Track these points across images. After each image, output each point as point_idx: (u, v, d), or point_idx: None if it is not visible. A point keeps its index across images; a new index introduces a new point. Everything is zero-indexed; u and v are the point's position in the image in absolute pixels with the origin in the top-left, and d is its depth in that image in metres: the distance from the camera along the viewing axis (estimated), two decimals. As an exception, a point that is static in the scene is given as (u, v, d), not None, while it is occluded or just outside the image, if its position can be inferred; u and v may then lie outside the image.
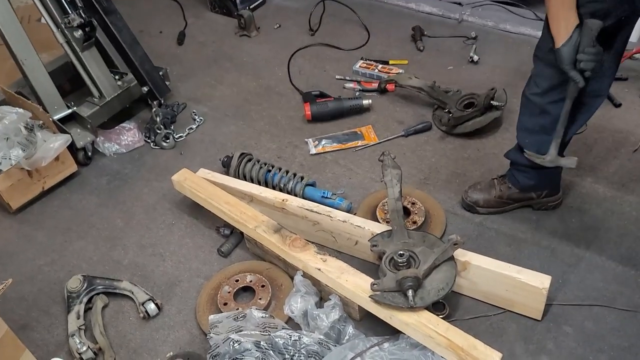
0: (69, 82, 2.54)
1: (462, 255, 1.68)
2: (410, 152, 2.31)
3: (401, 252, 1.63)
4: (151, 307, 1.76)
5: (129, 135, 2.45)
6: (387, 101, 2.58)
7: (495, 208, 1.98)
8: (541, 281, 1.59)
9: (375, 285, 1.58)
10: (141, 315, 1.76)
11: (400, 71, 2.69)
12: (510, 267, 1.64)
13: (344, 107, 2.48)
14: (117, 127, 2.46)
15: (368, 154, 2.32)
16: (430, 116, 2.46)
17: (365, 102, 2.49)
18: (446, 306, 1.69)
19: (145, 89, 2.26)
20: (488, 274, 1.65)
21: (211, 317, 1.65)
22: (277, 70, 2.85)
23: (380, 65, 2.77)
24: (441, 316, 1.63)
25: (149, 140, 2.47)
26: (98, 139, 2.40)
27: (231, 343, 1.55)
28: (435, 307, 1.66)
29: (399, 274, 1.56)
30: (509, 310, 1.69)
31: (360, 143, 2.37)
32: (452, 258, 1.64)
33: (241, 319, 1.65)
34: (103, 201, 2.23)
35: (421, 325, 1.51)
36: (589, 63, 1.47)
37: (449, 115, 2.34)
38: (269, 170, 2.14)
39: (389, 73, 2.70)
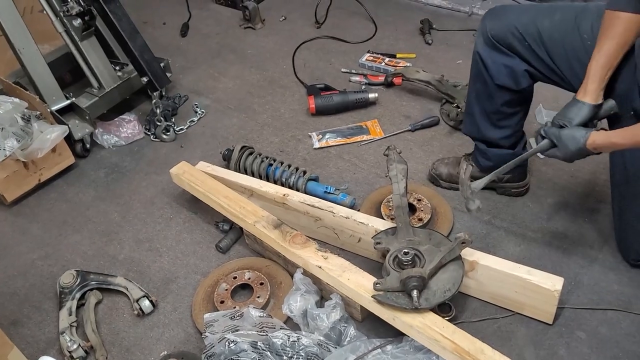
0: (70, 73, 2.49)
1: (469, 254, 1.60)
2: (417, 147, 2.24)
3: (406, 251, 1.55)
4: (146, 304, 1.70)
5: (128, 127, 2.39)
6: (393, 95, 2.51)
7: (457, 184, 1.95)
8: (553, 283, 1.51)
9: (378, 285, 1.51)
10: (135, 312, 1.70)
11: (408, 64, 2.61)
12: (520, 268, 1.56)
13: (349, 101, 2.41)
14: (116, 119, 2.40)
15: (373, 148, 2.25)
16: (437, 111, 2.39)
17: (372, 95, 2.42)
18: (452, 308, 1.61)
19: (144, 79, 2.20)
20: (497, 274, 1.57)
21: (206, 315, 1.59)
22: (281, 63, 2.79)
23: (387, 59, 2.69)
24: (447, 318, 1.56)
25: (149, 133, 2.41)
26: (97, 130, 2.34)
27: (227, 343, 1.49)
28: (441, 309, 1.58)
29: (403, 273, 1.48)
30: (518, 313, 1.61)
31: (365, 137, 2.29)
32: (459, 257, 1.56)
33: (238, 318, 1.59)
34: (100, 194, 2.17)
35: (426, 327, 1.44)
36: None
37: (457, 110, 2.26)
38: (271, 164, 2.08)
39: (396, 66, 2.62)
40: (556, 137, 1.49)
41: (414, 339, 1.47)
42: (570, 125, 1.48)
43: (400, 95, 2.50)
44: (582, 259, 1.74)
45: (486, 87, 1.70)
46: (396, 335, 1.52)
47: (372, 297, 1.51)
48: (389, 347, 1.52)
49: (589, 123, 1.49)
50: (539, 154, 1.58)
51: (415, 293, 1.45)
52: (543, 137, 1.53)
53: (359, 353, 1.50)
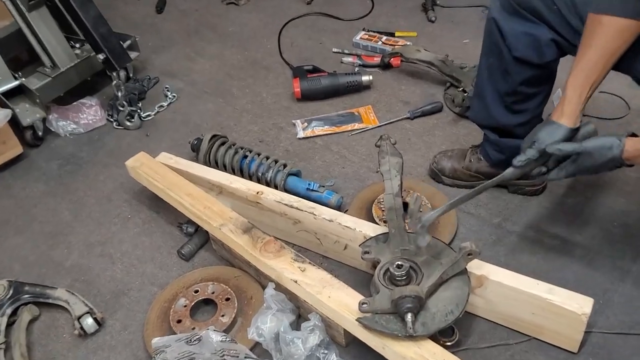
0: (29, 52, 2.20)
1: (477, 267, 1.32)
2: (416, 137, 1.95)
3: (399, 263, 1.28)
4: (88, 322, 1.42)
5: (89, 112, 2.11)
6: (390, 78, 2.22)
7: (462, 181, 1.72)
8: (580, 305, 1.23)
9: (364, 305, 1.23)
10: (76, 332, 1.43)
11: (408, 44, 2.31)
12: (540, 285, 1.28)
13: (340, 84, 2.13)
14: (75, 103, 2.12)
15: (366, 139, 1.96)
16: (441, 96, 2.11)
17: (365, 78, 2.13)
18: (455, 331, 1.33)
19: (100, 56, 1.90)
20: (510, 292, 1.29)
21: (155, 340, 1.31)
22: (266, 43, 2.50)
23: (385, 37, 2.40)
24: (449, 343, 1.30)
25: (111, 119, 2.13)
26: (50, 116, 2.06)
27: (178, 376, 1.21)
28: (442, 332, 1.30)
29: (396, 291, 1.20)
30: (535, 339, 1.33)
31: (357, 126, 2.01)
32: (464, 272, 1.28)
33: (195, 342, 1.31)
34: (51, 189, 1.89)
35: (421, 359, 1.16)
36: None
37: (463, 95, 1.97)
38: (245, 156, 1.79)
39: (394, 46, 2.32)
40: (578, 150, 1.20)
41: (408, 373, 1.20)
42: (537, 147, 1.24)
43: (398, 78, 2.22)
44: (612, 272, 1.46)
45: (502, 62, 1.41)
46: (387, 365, 1.24)
47: (357, 320, 1.23)
48: (377, 381, 1.25)
49: None
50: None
51: (409, 317, 1.18)
52: (541, 156, 1.25)
53: (341, 388, 1.23)
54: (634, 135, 1.21)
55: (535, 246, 1.55)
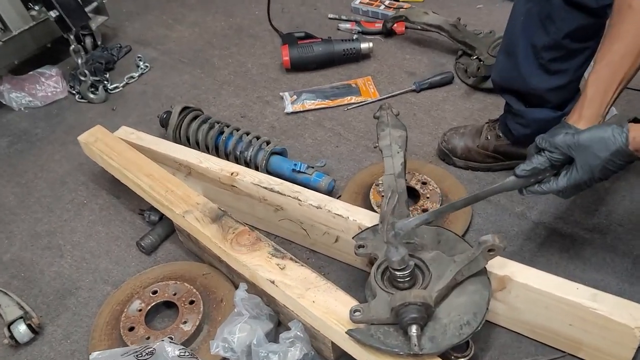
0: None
1: (499, 266, 1.06)
2: (422, 112, 1.68)
3: (402, 259, 1.00)
4: (20, 329, 1.17)
5: (48, 84, 1.84)
6: (393, 46, 1.96)
7: (476, 162, 1.46)
8: (633, 315, 0.96)
9: (357, 314, 0.98)
10: (6, 341, 1.17)
11: (413, 7, 2.03)
12: (580, 289, 1.01)
13: (335, 52, 1.86)
14: (32, 73, 1.86)
15: (364, 114, 1.70)
16: (451, 66, 1.84)
17: (364, 45, 1.86)
18: (470, 344, 1.07)
19: (52, 14, 1.64)
20: (541, 297, 1.03)
21: (94, 355, 1.05)
22: (253, 8, 2.24)
23: (388, 1, 2.12)
24: (462, 359, 1.02)
25: (74, 92, 1.86)
26: (2, 87, 1.80)
27: (120, 401, 0.96)
28: (454, 346, 1.03)
29: (397, 297, 0.94)
30: (571, 355, 1.07)
31: (354, 99, 1.74)
32: (484, 272, 1.02)
33: (146, 357, 1.05)
34: (-3, 170, 1.63)
35: None
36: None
37: (478, 63, 1.70)
38: (222, 132, 1.52)
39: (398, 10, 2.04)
40: (570, 144, 0.93)
41: (411, 401, 0.94)
42: (554, 154, 0.96)
43: (402, 46, 1.96)
44: (663, 273, 1.19)
45: (546, 6, 1.14)
46: (384, 389, 0.98)
47: (347, 332, 0.97)
48: (373, 407, 0.99)
49: None
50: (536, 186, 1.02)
51: (414, 330, 0.92)
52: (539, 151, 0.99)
53: (326, 418, 0.97)
54: (636, 120, 0.94)
55: (567, 241, 1.28)
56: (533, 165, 0.98)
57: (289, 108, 1.73)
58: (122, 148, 1.40)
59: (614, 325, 0.97)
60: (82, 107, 1.83)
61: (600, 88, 1.00)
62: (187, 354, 1.06)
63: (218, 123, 1.55)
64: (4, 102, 1.81)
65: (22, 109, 1.82)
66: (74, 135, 1.69)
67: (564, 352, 1.08)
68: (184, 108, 1.56)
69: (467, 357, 1.07)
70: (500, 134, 1.41)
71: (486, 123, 1.47)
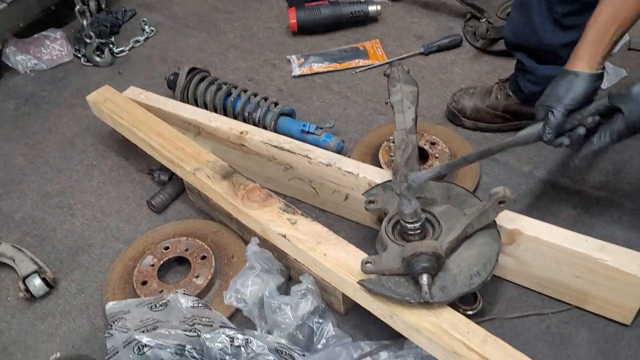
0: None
1: (508, 220, 1.07)
2: (431, 75, 1.68)
3: (414, 212, 1.02)
4: (35, 283, 1.19)
5: (53, 47, 1.84)
6: (401, 9, 1.95)
7: (485, 122, 1.46)
8: (640, 265, 0.98)
9: (368, 265, 0.99)
10: (21, 294, 1.19)
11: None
12: (589, 241, 1.03)
13: (343, 14, 1.85)
14: (37, 36, 1.85)
15: (372, 77, 1.69)
16: (460, 29, 1.83)
17: (372, 8, 1.85)
18: (478, 297, 1.09)
19: (56, -27, 1.62)
20: (550, 250, 1.05)
21: (109, 305, 1.08)
22: (259, -28, 2.19)
23: (395, -35, 2.08)
24: (470, 312, 1.07)
25: (79, 55, 1.85)
26: (7, 49, 1.79)
27: (136, 348, 0.98)
28: (461, 299, 1.05)
29: (408, 247, 0.95)
30: (577, 307, 1.08)
31: (362, 62, 1.73)
32: (493, 225, 1.03)
33: (160, 308, 1.08)
34: (5, 132, 1.64)
35: (441, 332, 0.93)
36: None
37: (487, 25, 1.69)
38: (230, 93, 1.52)
39: (405, -26, 2.01)
40: (621, 100, 0.94)
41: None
42: (559, 108, 0.99)
43: (410, 9, 1.95)
44: (671, 229, 1.20)
45: None
46: (395, 336, 1.01)
47: (358, 282, 0.98)
48: (383, 356, 1.03)
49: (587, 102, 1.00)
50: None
51: (425, 278, 0.94)
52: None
53: (339, 365, 0.99)
54: None
55: (575, 198, 1.29)
56: (552, 126, 1.00)
57: (297, 71, 1.73)
58: (131, 107, 1.40)
59: (621, 275, 0.98)
60: (88, 71, 1.82)
61: (599, 29, 1.00)
62: (200, 305, 1.08)
63: (225, 84, 1.55)
64: (10, 65, 1.80)
65: (28, 72, 1.81)
66: (81, 98, 1.70)
67: (570, 304, 1.10)
68: (192, 69, 1.56)
69: (476, 310, 1.09)
70: (510, 93, 1.41)
71: (496, 83, 1.47)
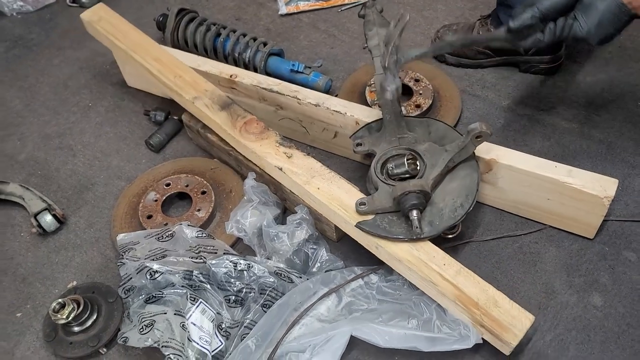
0: None
1: (485, 151, 1.16)
2: (415, 12, 1.72)
3: (398, 154, 1.10)
4: (47, 219, 1.26)
5: (37, -12, 1.81)
6: (386, -55, 1.92)
7: (467, 58, 1.52)
8: (603, 187, 1.09)
9: (362, 206, 1.08)
10: (34, 230, 1.27)
11: None
12: (558, 167, 1.13)
13: (328, -49, 1.83)
14: (20, -24, 1.82)
15: (358, 15, 1.71)
16: (444, -35, 1.82)
17: (357, -56, 1.83)
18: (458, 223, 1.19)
19: None
20: (523, 176, 1.14)
21: (120, 237, 1.16)
22: None
23: None
24: (450, 236, 1.15)
25: (64, -4, 1.84)
26: (-9, -9, 1.77)
27: (148, 274, 1.08)
28: (444, 224, 1.15)
29: (398, 188, 1.04)
30: (550, 226, 1.20)
31: (347, 0, 1.75)
32: (472, 157, 1.12)
33: (167, 239, 1.17)
34: (-2, 76, 1.66)
35: (419, 263, 1.03)
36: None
37: (470, -39, 1.70)
38: (219, 34, 1.55)
39: None
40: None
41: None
42: (539, 10, 1.01)
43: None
44: (633, 157, 1.31)
45: None
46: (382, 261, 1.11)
47: (356, 226, 1.07)
48: (374, 279, 1.14)
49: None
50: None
51: (415, 214, 1.03)
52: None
53: (333, 285, 1.11)
54: None
55: (548, 130, 1.38)
56: (520, 21, 1.03)
57: (283, 10, 1.75)
58: (127, 28, 1.41)
59: (586, 196, 1.09)
60: (74, 12, 1.81)
61: None
62: (204, 235, 1.17)
63: (214, 25, 1.57)
64: (-5, 7, 1.80)
65: (14, 14, 1.80)
66: (70, 40, 1.72)
67: (545, 224, 1.21)
68: (180, 10, 1.57)
69: (455, 234, 1.17)
70: (492, 29, 1.46)
71: (478, 19, 1.52)
